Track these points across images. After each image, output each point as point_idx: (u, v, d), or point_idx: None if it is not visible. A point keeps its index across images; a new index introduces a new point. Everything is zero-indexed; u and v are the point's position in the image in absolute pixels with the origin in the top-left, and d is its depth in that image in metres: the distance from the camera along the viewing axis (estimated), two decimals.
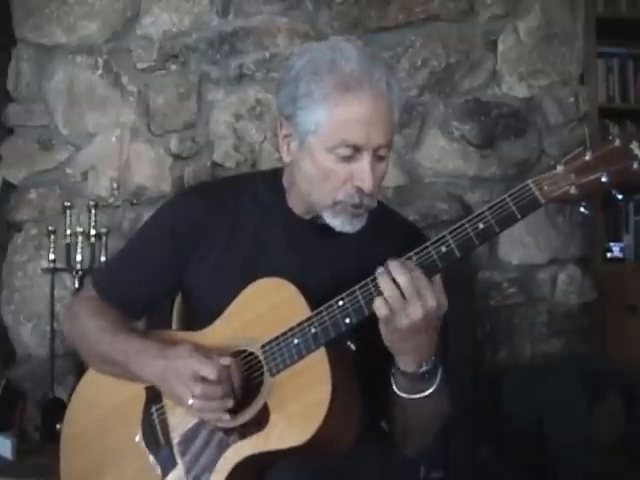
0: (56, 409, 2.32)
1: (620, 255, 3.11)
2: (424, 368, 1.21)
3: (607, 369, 2.57)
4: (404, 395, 1.24)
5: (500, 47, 2.78)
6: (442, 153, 2.75)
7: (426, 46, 2.73)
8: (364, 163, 1.25)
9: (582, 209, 1.16)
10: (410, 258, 1.19)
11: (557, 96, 2.79)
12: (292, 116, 1.28)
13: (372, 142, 1.25)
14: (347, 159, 1.25)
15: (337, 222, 1.30)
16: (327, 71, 1.24)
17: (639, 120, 3.19)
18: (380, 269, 1.18)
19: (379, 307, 1.17)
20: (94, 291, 1.45)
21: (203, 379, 1.23)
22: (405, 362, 1.22)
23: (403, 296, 1.16)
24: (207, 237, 1.37)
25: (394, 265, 1.17)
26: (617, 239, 3.12)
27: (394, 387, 1.25)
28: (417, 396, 1.24)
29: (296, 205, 1.37)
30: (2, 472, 2.25)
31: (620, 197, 1.13)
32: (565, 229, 2.74)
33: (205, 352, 1.26)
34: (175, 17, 2.74)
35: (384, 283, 1.17)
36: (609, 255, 3.09)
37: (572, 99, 2.79)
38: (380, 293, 1.17)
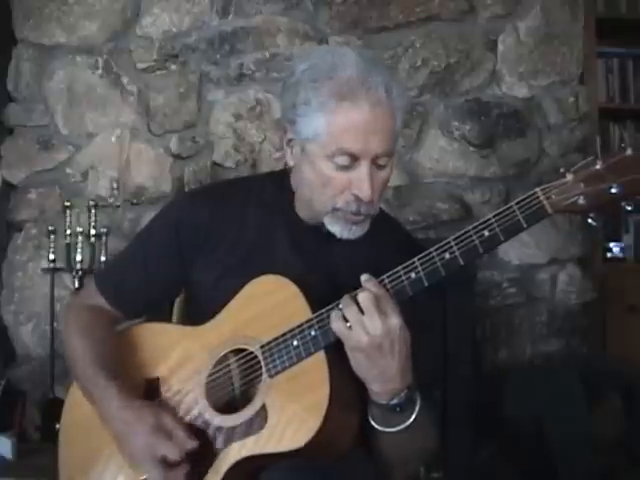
0: (56, 409, 2.30)
1: (620, 255, 3.11)
2: (395, 401, 1.19)
3: (607, 369, 2.57)
4: (379, 428, 1.22)
5: (500, 47, 2.77)
6: (442, 153, 2.75)
7: (426, 46, 2.73)
8: (362, 172, 1.24)
9: (590, 220, 1.13)
10: (413, 263, 1.19)
11: (557, 96, 2.78)
12: (293, 122, 1.28)
13: (370, 151, 1.24)
14: (345, 168, 1.25)
15: (336, 228, 1.30)
16: (325, 78, 1.24)
17: (639, 120, 3.19)
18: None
19: (334, 320, 1.18)
20: (94, 291, 1.46)
21: (164, 460, 1.21)
22: (375, 391, 1.19)
23: (360, 310, 1.16)
24: (212, 239, 1.37)
25: (363, 280, 1.18)
26: (617, 239, 3.12)
27: (370, 419, 1.23)
28: (391, 430, 1.21)
29: (301, 209, 1.37)
30: (2, 472, 2.25)
31: (629, 208, 1.10)
32: (565, 229, 2.74)
33: (168, 430, 1.24)
34: (175, 17, 2.74)
35: (344, 298, 1.18)
36: (609, 255, 3.10)
37: (572, 99, 2.78)
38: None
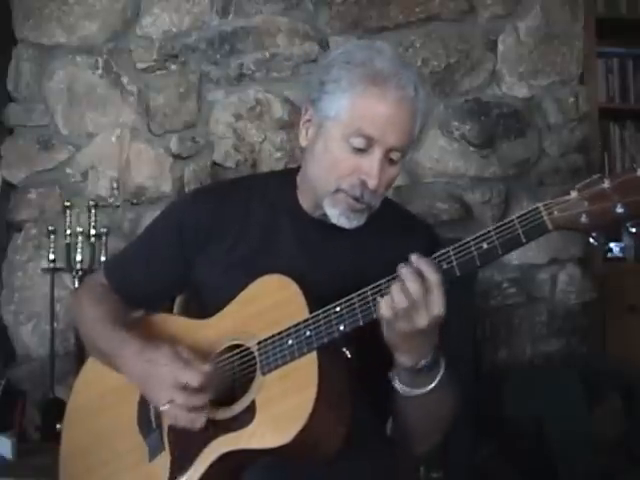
0: (56, 409, 2.31)
1: (620, 255, 3.11)
2: (423, 362, 1.20)
3: (607, 369, 2.57)
4: (406, 390, 1.23)
5: (500, 47, 2.78)
6: (442, 153, 2.75)
7: (426, 46, 2.73)
8: (374, 158, 1.26)
9: (591, 240, 1.10)
10: None
11: (557, 96, 2.78)
12: (317, 100, 1.31)
13: (386, 140, 1.26)
14: (359, 152, 1.27)
15: (334, 212, 1.31)
16: (360, 63, 1.27)
17: (639, 120, 3.19)
18: (400, 267, 1.15)
19: (383, 308, 1.15)
20: (104, 276, 1.49)
21: (185, 387, 1.22)
22: (403, 359, 1.20)
23: (412, 303, 1.13)
24: (215, 236, 1.39)
25: (407, 271, 1.13)
26: (617, 239, 3.12)
27: (396, 384, 1.23)
28: (418, 392, 1.22)
29: (306, 201, 1.38)
30: (2, 472, 2.25)
31: (633, 230, 1.07)
32: None
33: (186, 358, 1.25)
34: (175, 17, 2.74)
35: (395, 288, 1.14)
36: (609, 255, 3.09)
37: (572, 99, 2.78)
38: (384, 295, 1.16)
